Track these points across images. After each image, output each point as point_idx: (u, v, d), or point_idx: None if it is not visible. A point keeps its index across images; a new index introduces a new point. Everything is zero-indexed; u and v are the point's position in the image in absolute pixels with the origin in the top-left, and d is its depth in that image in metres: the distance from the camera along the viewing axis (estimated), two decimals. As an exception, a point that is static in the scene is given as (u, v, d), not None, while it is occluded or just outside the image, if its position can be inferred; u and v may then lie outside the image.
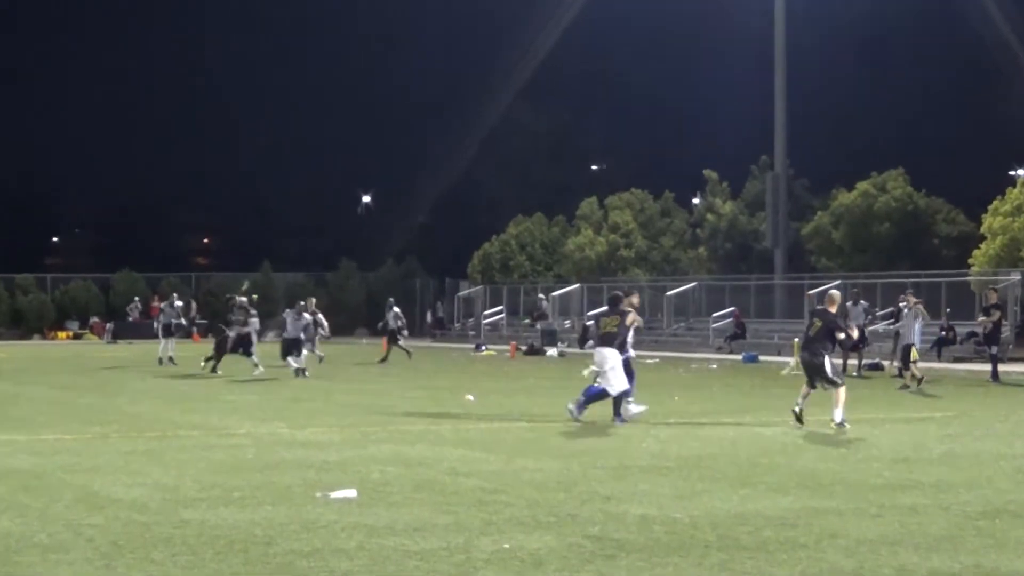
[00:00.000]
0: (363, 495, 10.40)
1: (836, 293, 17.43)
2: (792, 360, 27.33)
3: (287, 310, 28.51)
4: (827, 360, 16.30)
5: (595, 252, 54.78)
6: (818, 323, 16.55)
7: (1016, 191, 40.44)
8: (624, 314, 17.10)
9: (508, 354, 40.07)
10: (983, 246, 40.35)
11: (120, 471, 11.95)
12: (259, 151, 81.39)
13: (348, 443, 14.37)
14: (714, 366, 32.72)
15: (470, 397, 20.89)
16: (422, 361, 35.44)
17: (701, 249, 55.11)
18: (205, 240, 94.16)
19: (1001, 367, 27.23)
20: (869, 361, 29.50)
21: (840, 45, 66.05)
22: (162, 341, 32.27)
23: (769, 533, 8.85)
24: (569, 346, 41.48)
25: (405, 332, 35.59)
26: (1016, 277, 37.38)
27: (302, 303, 28.70)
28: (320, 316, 30.90)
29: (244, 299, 29.45)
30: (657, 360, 33.22)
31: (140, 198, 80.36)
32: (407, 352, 34.04)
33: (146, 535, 8.75)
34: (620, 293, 18.01)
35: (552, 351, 40.74)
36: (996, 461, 12.95)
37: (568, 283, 52.74)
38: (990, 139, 59.83)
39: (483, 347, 43.82)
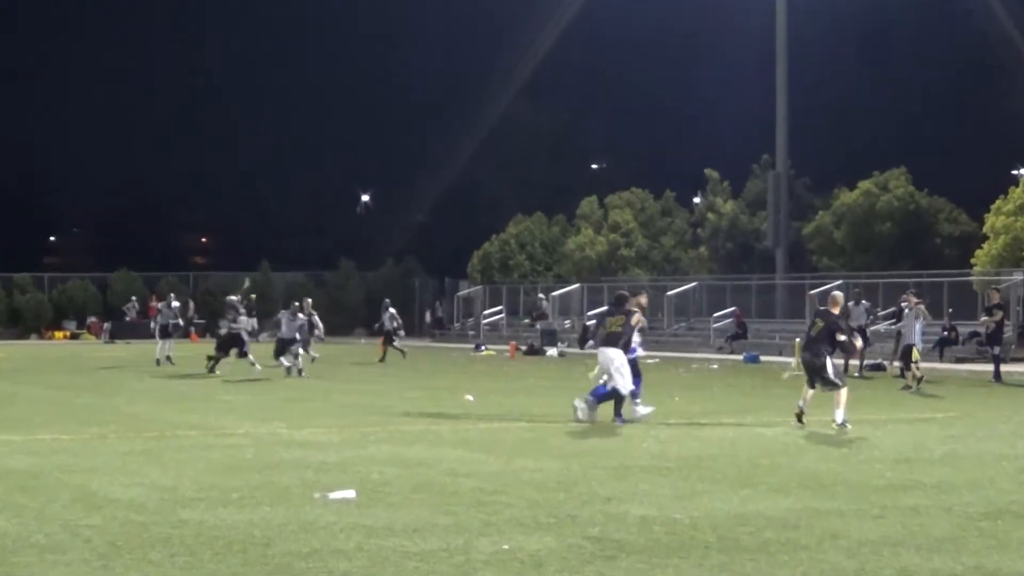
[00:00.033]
0: (362, 496, 10.37)
1: (839, 295, 17.43)
2: (793, 361, 27.29)
3: (282, 311, 28.46)
4: (829, 361, 16.28)
5: (595, 252, 54.74)
6: (820, 324, 16.55)
7: (1019, 190, 40.34)
8: (629, 314, 17.06)
9: (508, 354, 40.03)
10: (985, 246, 40.26)
11: (118, 471, 11.92)
12: (259, 151, 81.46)
13: (347, 443, 14.33)
14: (715, 366, 32.67)
15: (469, 397, 20.85)
16: (421, 361, 35.42)
17: (702, 249, 55.06)
18: (203, 239, 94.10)
19: (1003, 367, 27.20)
20: (871, 362, 29.45)
21: (841, 43, 66.04)
22: (160, 342, 32.23)
23: (770, 534, 8.82)
24: (569, 346, 41.42)
25: (401, 333, 35.67)
26: (1019, 277, 37.31)
27: (296, 304, 28.68)
28: (315, 317, 30.90)
29: (234, 297, 29.45)
30: (658, 360, 33.15)
31: (138, 197, 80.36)
32: (401, 352, 34.16)
33: (144, 535, 8.73)
34: (626, 293, 17.95)
35: (552, 351, 40.70)
36: (998, 462, 12.92)
37: (568, 283, 52.69)
38: (993, 138, 59.74)
39: (483, 347, 43.78)
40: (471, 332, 52.90)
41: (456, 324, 56.06)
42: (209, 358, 28.03)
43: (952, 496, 10.56)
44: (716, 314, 44.23)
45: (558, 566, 7.86)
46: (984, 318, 27.68)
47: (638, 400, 17.16)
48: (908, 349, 24.48)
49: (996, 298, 27.57)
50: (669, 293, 47.24)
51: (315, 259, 65.26)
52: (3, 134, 74.47)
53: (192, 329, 41.45)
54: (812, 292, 39.94)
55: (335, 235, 74.79)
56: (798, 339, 25.04)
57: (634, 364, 17.12)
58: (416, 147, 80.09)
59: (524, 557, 8.08)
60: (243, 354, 27.47)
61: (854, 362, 28.09)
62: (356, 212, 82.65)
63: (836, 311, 16.79)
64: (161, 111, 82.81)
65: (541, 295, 50.56)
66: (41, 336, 54.92)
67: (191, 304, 38.73)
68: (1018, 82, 59.30)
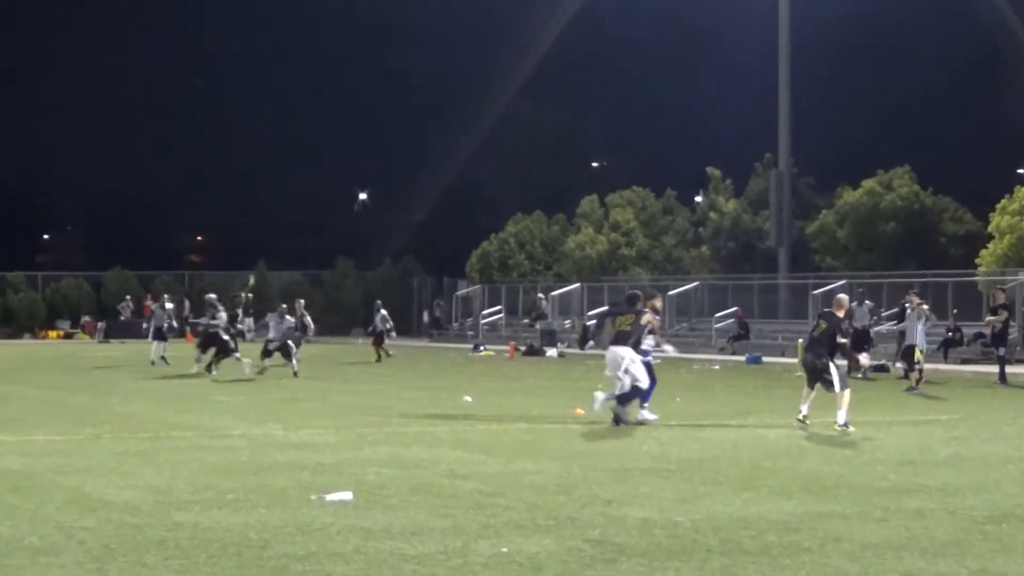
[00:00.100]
0: (359, 498, 10.33)
1: (844, 297, 17.46)
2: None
3: (269, 313, 28.40)
4: (831, 363, 16.24)
5: (596, 251, 54.64)
6: (823, 325, 16.58)
7: (1024, 189, 40.29)
8: (640, 313, 17.01)
9: (507, 354, 39.97)
10: (991, 245, 40.15)
11: (112, 473, 11.87)
12: (258, 151, 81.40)
13: (344, 445, 14.28)
14: (717, 367, 32.60)
15: (468, 398, 20.80)
16: (420, 361, 35.42)
17: (704, 248, 54.98)
18: (199, 238, 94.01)
19: (1009, 369, 27.05)
20: (874, 363, 29.35)
21: (845, 41, 65.90)
22: (154, 343, 32.19)
23: (772, 537, 8.79)
24: (569, 346, 41.36)
25: (393, 334, 36.04)
26: (1024, 277, 37.19)
27: (284, 306, 28.62)
28: (307, 318, 30.94)
29: (213, 296, 29.51)
30: (658, 361, 33.03)
31: (133, 196, 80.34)
32: (386, 352, 34.38)
33: (138, 538, 8.69)
34: (638, 292, 17.94)
35: (552, 351, 40.62)
36: (1003, 464, 12.87)
37: (568, 282, 52.60)
38: (998, 137, 59.57)
39: (481, 347, 43.69)
40: (470, 332, 52.76)
41: (455, 324, 55.96)
42: (216, 357, 27.93)
43: (956, 499, 10.52)
44: (718, 314, 44.11)
45: (557, 569, 7.83)
46: (990, 318, 27.59)
47: (645, 404, 17.10)
48: (910, 350, 24.40)
49: (1001, 298, 27.48)
50: (670, 293, 47.11)
51: (313, 258, 65.18)
52: (1, 133, 74.49)
53: (188, 329, 41.37)
54: (815, 292, 39.91)
55: (334, 235, 74.72)
56: (801, 340, 24.97)
57: (648, 368, 17.05)
58: (416, 146, 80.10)
59: (523, 560, 8.04)
60: (226, 353, 27.42)
61: (864, 361, 27.99)
62: (354, 211, 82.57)
63: (841, 314, 16.79)
64: (158, 110, 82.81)
65: (540, 295, 50.50)
66: (35, 335, 54.55)
67: (187, 303, 38.76)
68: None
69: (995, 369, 26.98)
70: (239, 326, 29.02)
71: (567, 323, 48.04)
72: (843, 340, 16.63)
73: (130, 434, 15.38)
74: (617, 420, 16.58)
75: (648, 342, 17.49)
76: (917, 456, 13.45)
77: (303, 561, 7.96)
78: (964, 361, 33.14)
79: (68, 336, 54.76)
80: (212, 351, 27.54)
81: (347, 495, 10.35)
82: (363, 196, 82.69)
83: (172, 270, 60.74)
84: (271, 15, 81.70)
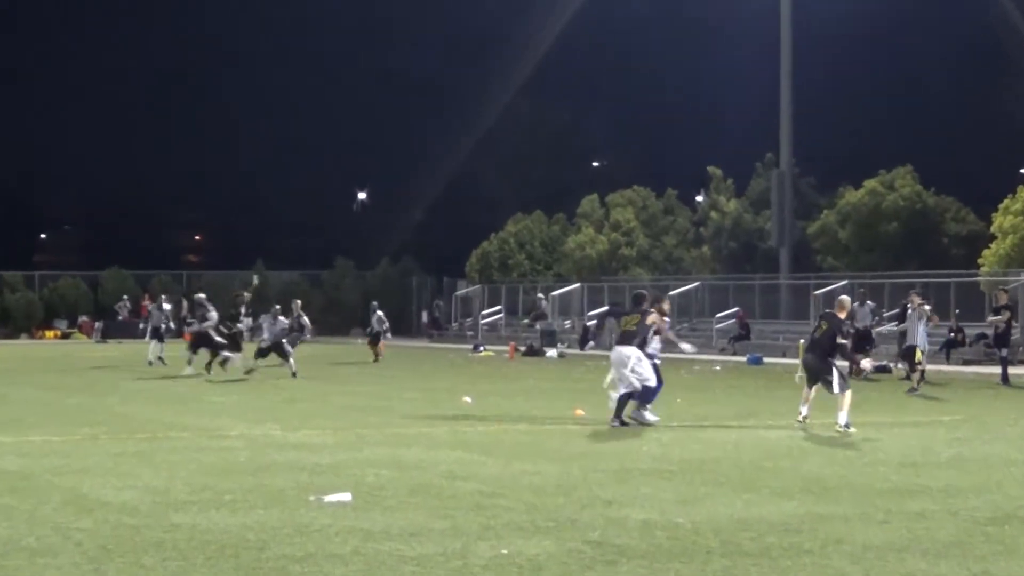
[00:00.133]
0: (358, 499, 10.31)
1: (847, 299, 17.49)
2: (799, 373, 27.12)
3: (263, 315, 28.26)
4: (832, 365, 16.22)
5: (596, 251, 54.58)
6: (824, 326, 16.60)
7: (1027, 189, 40.20)
8: (645, 313, 17.00)
9: (507, 355, 39.92)
10: (993, 246, 40.08)
11: (109, 473, 11.86)
12: (257, 150, 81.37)
13: (342, 445, 14.25)
14: (717, 368, 32.54)
15: (467, 399, 20.76)
16: (419, 362, 35.39)
17: (704, 248, 54.91)
18: (197, 238, 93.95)
19: (1011, 370, 26.98)
20: (876, 363, 29.28)
21: (847, 40, 65.81)
22: (151, 342, 32.13)
23: (773, 539, 8.78)
24: (569, 347, 41.31)
25: (388, 336, 36.12)
26: (1027, 277, 37.11)
27: (278, 307, 28.45)
28: (305, 319, 30.92)
29: (202, 295, 29.45)
30: (660, 362, 32.97)
31: (131, 195, 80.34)
32: (376, 358, 34.30)
33: (136, 539, 8.68)
34: (644, 292, 18.01)
35: (552, 352, 40.56)
36: (1006, 466, 12.85)
37: (568, 282, 52.55)
38: (1001, 137, 59.46)
39: (481, 348, 43.63)
40: (469, 332, 52.69)
41: (454, 324, 55.89)
42: (222, 357, 27.89)
43: (958, 501, 10.50)
44: (719, 315, 44.04)
45: (557, 571, 7.81)
46: (992, 319, 27.55)
47: (648, 406, 17.06)
48: (910, 350, 24.33)
49: (1004, 299, 27.42)
50: (671, 293, 47.01)
51: (312, 258, 65.11)
52: (1, 133, 74.50)
53: (185, 329, 41.28)
54: (817, 292, 39.85)
55: (333, 234, 74.66)
56: (802, 340, 24.89)
57: (656, 369, 17.02)
58: (416, 146, 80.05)
59: (523, 562, 8.03)
60: (216, 351, 27.38)
61: (866, 365, 27.96)
62: (353, 211, 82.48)
63: (842, 315, 16.82)
64: (161, 111, 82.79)
65: (540, 295, 50.43)
66: (32, 336, 54.39)
67: (184, 303, 38.61)
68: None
69: (997, 370, 26.91)
70: (239, 325, 28.95)
71: (567, 323, 47.97)
72: (843, 341, 16.61)
73: (128, 435, 15.35)
74: (620, 420, 16.51)
75: (654, 344, 17.47)
76: (919, 457, 13.42)
77: (301, 562, 7.94)
78: (966, 362, 33.05)
79: (65, 336, 54.60)
80: (204, 351, 27.54)
81: (346, 496, 10.33)
82: (362, 196, 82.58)
83: (170, 270, 60.66)
84: (271, 15, 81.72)
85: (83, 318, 55.81)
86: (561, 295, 50.99)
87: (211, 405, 20.09)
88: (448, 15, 79.44)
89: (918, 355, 23.98)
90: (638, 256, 54.43)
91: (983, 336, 32.86)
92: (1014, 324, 27.97)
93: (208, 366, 27.61)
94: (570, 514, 9.68)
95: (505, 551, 8.33)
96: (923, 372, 24.27)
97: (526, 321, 50.03)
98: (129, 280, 58.19)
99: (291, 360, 27.25)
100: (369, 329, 36.27)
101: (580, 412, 18.17)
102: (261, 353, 27.45)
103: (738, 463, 12.83)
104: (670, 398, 20.86)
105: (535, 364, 35.79)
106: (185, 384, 25.11)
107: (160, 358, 31.43)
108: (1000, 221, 39.95)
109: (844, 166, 53.86)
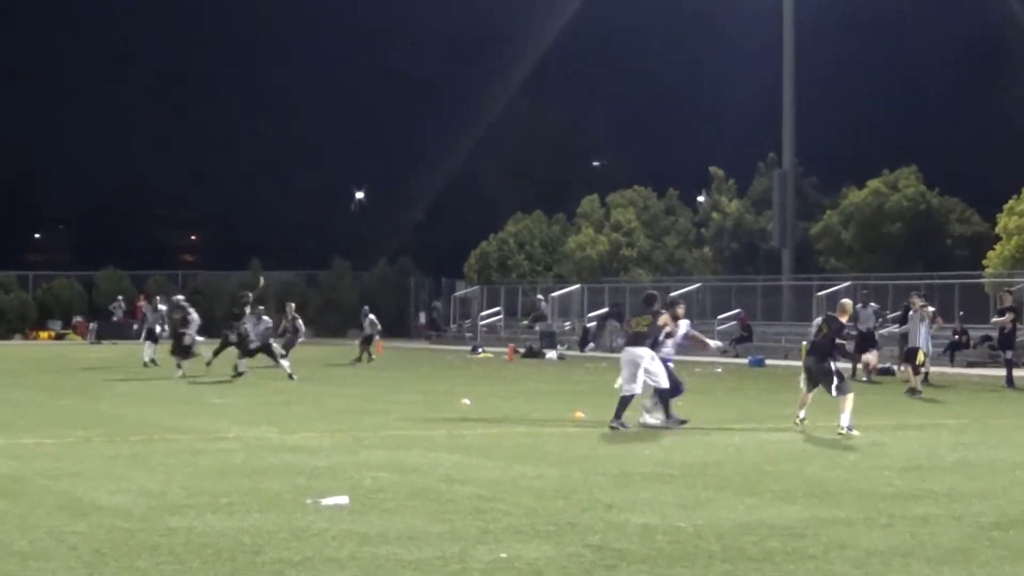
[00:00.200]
0: (355, 502, 10.27)
1: (848, 302, 17.57)
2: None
3: (247, 315, 28.07)
4: (833, 366, 16.21)
5: (596, 251, 54.53)
6: (825, 329, 16.60)
7: (1032, 189, 40.14)
8: (657, 314, 16.96)
9: (506, 356, 39.88)
10: (998, 247, 40.03)
11: (104, 476, 11.81)
12: (257, 150, 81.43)
13: (340, 448, 14.21)
14: (719, 370, 32.49)
15: (466, 401, 20.70)
16: (417, 364, 35.39)
17: (706, 249, 54.86)
18: (193, 237, 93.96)
19: (1016, 372, 26.91)
20: (880, 365, 29.21)
21: (850, 40, 65.81)
22: (145, 344, 32.06)
23: (775, 543, 8.74)
24: (569, 348, 41.26)
25: (376, 338, 36.24)
26: (1032, 278, 37.03)
27: (261, 307, 28.29)
28: (299, 322, 30.81)
29: (180, 297, 29.34)
30: (672, 364, 32.83)
31: (130, 195, 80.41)
32: (358, 359, 34.36)
33: (130, 543, 8.65)
34: (655, 293, 18.00)
35: (551, 354, 40.51)
36: (1011, 470, 12.80)
37: (568, 283, 52.52)
38: (1005, 137, 59.39)
39: (480, 349, 43.57)
40: (468, 334, 52.60)
41: (453, 326, 55.82)
42: (208, 362, 27.81)
43: (963, 505, 10.45)
44: (720, 316, 43.97)
45: (557, 575, 7.77)
46: (995, 319, 27.47)
47: (649, 406, 17.00)
48: (912, 352, 24.25)
49: (1009, 300, 27.37)
50: (672, 294, 46.99)
51: (310, 258, 65.02)
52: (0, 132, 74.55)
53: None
54: (819, 294, 39.78)
55: (332, 234, 74.64)
56: (804, 342, 24.83)
57: (671, 372, 16.99)
58: (416, 146, 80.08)
59: (522, 566, 8.00)
60: (185, 352, 27.30)
61: (870, 358, 27.91)
62: (350, 210, 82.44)
63: (844, 319, 16.83)
64: (161, 111, 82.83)
65: (540, 296, 50.40)
66: (25, 336, 54.20)
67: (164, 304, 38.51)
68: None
69: (1002, 372, 26.85)
70: (246, 326, 28.78)
71: (567, 325, 47.92)
72: (840, 341, 16.62)
73: (122, 437, 15.28)
74: (669, 419, 16.56)
75: (667, 347, 17.44)
76: (923, 461, 13.38)
77: (298, 567, 7.91)
78: (970, 364, 32.95)
79: (59, 337, 54.36)
80: (191, 351, 27.54)
81: (343, 499, 10.29)
82: (359, 195, 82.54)
83: (166, 270, 60.56)
84: (271, 15, 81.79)
85: (77, 319, 55.57)
86: (561, 296, 50.95)
87: (207, 407, 20.02)
88: (448, 15, 79.45)
89: (920, 357, 23.90)
90: (639, 257, 54.37)
91: (987, 338, 32.75)
92: (1019, 326, 27.86)
93: (209, 361, 27.51)
94: (570, 518, 9.64)
95: (504, 555, 8.29)
96: (927, 374, 24.20)
97: (525, 322, 50.01)
98: (124, 280, 58.07)
99: (282, 362, 27.15)
100: (362, 332, 36.47)
101: (580, 415, 18.12)
102: (248, 353, 27.32)
103: (740, 467, 12.79)
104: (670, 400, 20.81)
105: (534, 366, 35.72)
106: (180, 386, 25.05)
107: (153, 360, 31.32)
108: (1005, 222, 39.89)
109: (847, 166, 53.74)
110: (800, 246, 49.33)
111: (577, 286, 50.94)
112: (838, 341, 16.58)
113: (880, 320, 31.36)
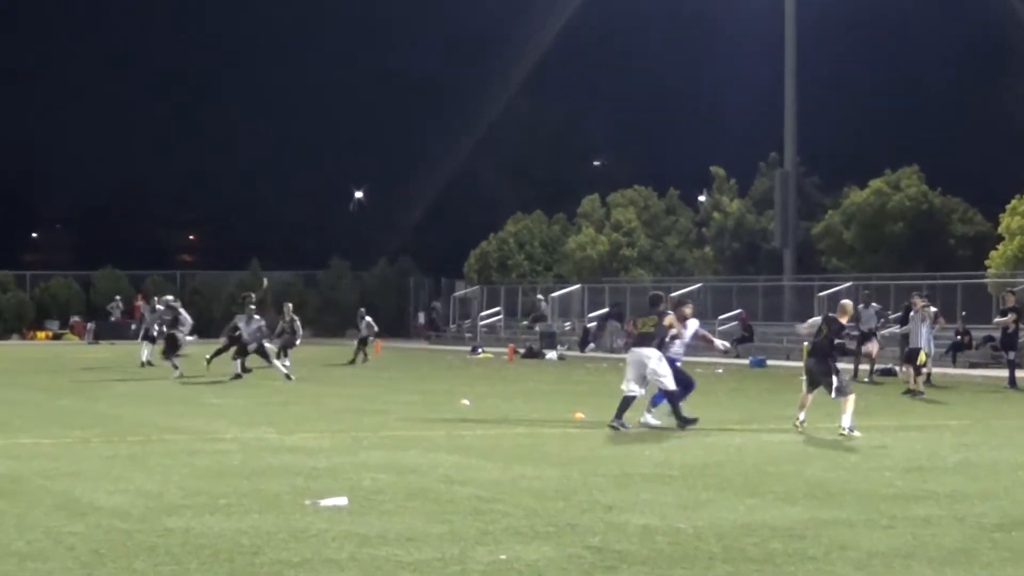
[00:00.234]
0: (354, 503, 10.25)
1: (848, 303, 17.55)
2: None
3: (238, 314, 27.99)
4: (833, 368, 16.18)
5: (596, 251, 54.48)
6: (825, 330, 16.59)
7: (1035, 189, 40.12)
8: (663, 315, 16.96)
9: (506, 357, 39.83)
10: (1000, 247, 39.99)
11: (101, 477, 11.80)
12: (257, 150, 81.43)
13: (338, 449, 14.20)
14: (720, 370, 32.42)
15: (466, 402, 20.68)
16: (416, 364, 35.37)
17: (707, 249, 54.82)
18: (191, 237, 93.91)
19: (1019, 373, 26.80)
20: (881, 366, 29.15)
21: (852, 39, 65.73)
22: (143, 344, 32.02)
23: (776, 545, 8.73)
24: (569, 349, 41.20)
25: (371, 339, 36.26)
26: (1035, 279, 36.97)
27: (253, 307, 28.21)
28: (297, 323, 30.77)
29: (170, 297, 29.33)
30: (680, 364, 32.77)
31: (125, 194, 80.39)
32: (353, 360, 34.31)
33: (128, 543, 8.64)
34: (661, 293, 18.09)
35: (551, 354, 40.41)
36: (1014, 471, 12.77)
37: (568, 283, 52.48)
38: (1008, 136, 59.33)
39: (480, 350, 43.50)
40: (468, 334, 52.52)
41: (452, 326, 55.78)
42: (208, 360, 27.76)
43: (965, 506, 10.43)
44: (721, 316, 43.88)
45: (557, 577, 7.76)
46: (997, 320, 27.42)
47: (652, 409, 16.99)
48: (913, 353, 24.19)
49: (1011, 301, 27.32)
50: (673, 295, 46.90)
51: (310, 258, 64.94)
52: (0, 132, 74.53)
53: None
54: (821, 294, 39.72)
55: (332, 234, 74.60)
56: (805, 343, 24.79)
57: (677, 372, 16.95)
58: (416, 146, 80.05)
59: (522, 567, 7.99)
60: (168, 354, 27.29)
61: (864, 367, 27.86)
62: (349, 210, 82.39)
63: (844, 320, 16.81)
64: (160, 111, 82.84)
65: (540, 296, 50.34)
66: (23, 336, 54.06)
67: (177, 305, 38.45)
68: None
69: (1005, 373, 26.77)
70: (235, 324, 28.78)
71: (567, 325, 47.86)
72: (839, 341, 16.60)
73: (120, 437, 15.28)
74: (682, 421, 16.48)
75: (675, 347, 17.41)
76: (925, 462, 13.35)
77: (297, 568, 7.90)
78: (973, 365, 32.85)
79: (57, 337, 54.20)
80: (177, 353, 27.57)
81: (342, 500, 10.27)
82: (359, 194, 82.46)
83: (164, 269, 60.48)
84: (271, 15, 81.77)
85: (75, 318, 55.41)
86: (561, 296, 50.90)
87: (205, 408, 20.01)
88: (448, 15, 79.45)
89: (922, 357, 23.84)
90: (639, 257, 54.33)
91: (990, 339, 32.68)
92: (1021, 326, 27.82)
93: (208, 360, 27.46)
94: (570, 519, 9.62)
95: (504, 556, 8.27)
96: (929, 375, 24.14)
97: (525, 323, 49.96)
98: (122, 280, 57.94)
99: (276, 363, 27.10)
100: (358, 334, 36.54)
101: (580, 415, 18.10)
102: (244, 354, 27.26)
103: (741, 467, 12.76)
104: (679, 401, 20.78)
105: (534, 366, 35.70)
106: (178, 386, 25.03)
107: (149, 361, 31.28)
108: (1008, 222, 39.86)
109: (849, 165, 53.68)
110: (802, 246, 49.27)
111: (577, 286, 50.88)
112: (837, 341, 16.53)
113: (882, 320, 31.30)
